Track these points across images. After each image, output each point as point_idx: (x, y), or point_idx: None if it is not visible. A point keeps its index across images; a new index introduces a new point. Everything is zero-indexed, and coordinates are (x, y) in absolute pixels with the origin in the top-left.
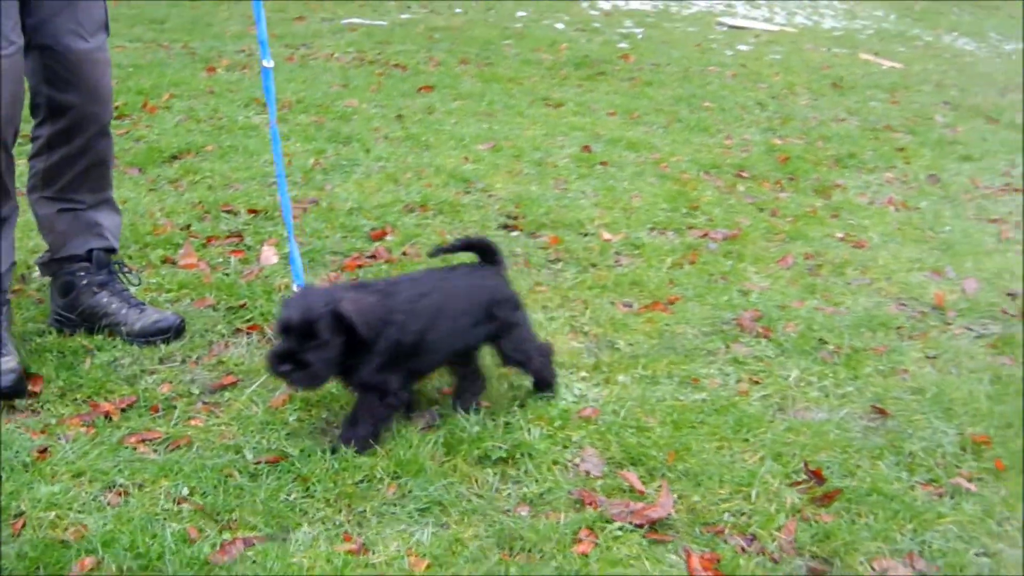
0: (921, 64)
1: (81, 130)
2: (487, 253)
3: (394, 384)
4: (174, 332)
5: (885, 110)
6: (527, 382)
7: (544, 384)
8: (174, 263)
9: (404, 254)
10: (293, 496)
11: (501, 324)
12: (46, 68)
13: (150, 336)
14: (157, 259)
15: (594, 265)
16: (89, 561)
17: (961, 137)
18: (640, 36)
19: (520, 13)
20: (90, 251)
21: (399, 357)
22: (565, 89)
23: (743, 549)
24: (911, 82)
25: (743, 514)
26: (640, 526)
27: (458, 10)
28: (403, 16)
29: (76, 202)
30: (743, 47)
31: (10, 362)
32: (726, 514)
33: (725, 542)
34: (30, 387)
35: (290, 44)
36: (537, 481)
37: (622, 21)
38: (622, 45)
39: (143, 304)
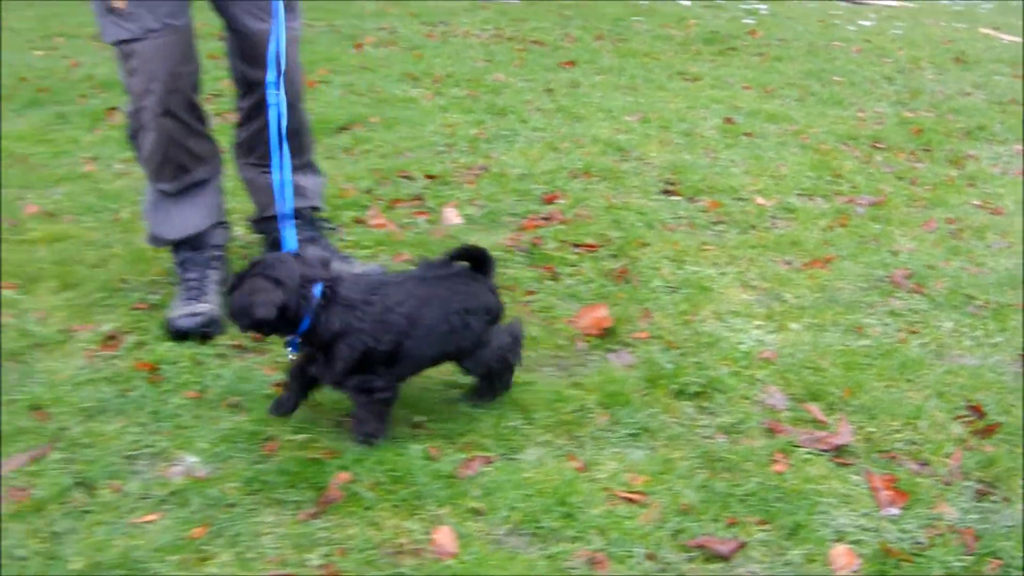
0: None
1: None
2: (479, 262)
3: (379, 382)
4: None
5: (1009, 84)
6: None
7: (484, 394)
8: (364, 223)
9: (578, 216)
10: (516, 423)
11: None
12: (237, 47)
13: None
14: (349, 219)
15: (753, 227)
16: (344, 476)
17: None
18: (764, 12)
19: None
20: (295, 210)
21: (375, 363)
22: (699, 64)
23: (917, 472)
24: None
25: (914, 443)
26: (825, 451)
27: None
28: None
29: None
30: (865, 22)
31: (203, 307)
32: (899, 443)
33: (900, 466)
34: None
35: (427, 21)
36: (730, 413)
37: None
38: (748, 21)
39: (350, 257)
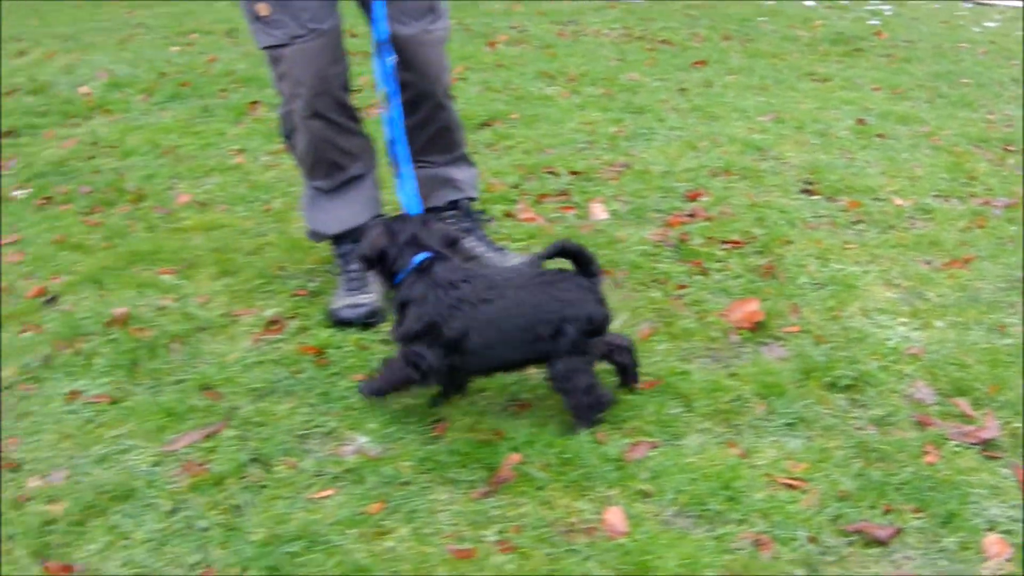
0: None
1: (420, 103)
2: (581, 262)
3: (425, 359)
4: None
5: None
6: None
7: (577, 423)
8: (513, 216)
9: (722, 213)
10: (677, 411)
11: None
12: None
13: None
14: (499, 213)
15: (892, 227)
16: (516, 457)
17: None
18: (888, 13)
19: None
20: (451, 202)
21: (438, 342)
22: (827, 64)
23: None
24: None
25: None
26: (973, 444)
27: None
28: None
29: (429, 163)
30: (990, 24)
31: (366, 298)
32: None
33: None
34: None
35: (556, 20)
36: (880, 406)
37: None
38: (873, 22)
39: (504, 249)
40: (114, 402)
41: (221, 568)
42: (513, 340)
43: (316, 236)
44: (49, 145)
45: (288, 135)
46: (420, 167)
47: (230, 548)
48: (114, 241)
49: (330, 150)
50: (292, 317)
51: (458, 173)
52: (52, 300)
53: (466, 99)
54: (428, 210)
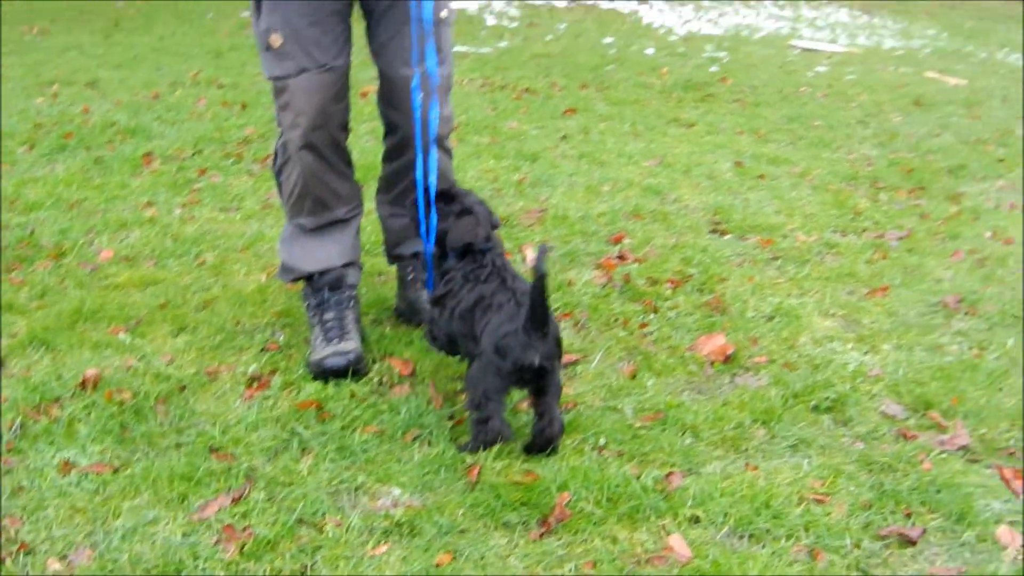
0: (983, 80)
1: (408, 147)
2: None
3: (438, 326)
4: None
5: (969, 125)
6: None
7: (542, 445)
8: None
9: (648, 254)
10: (688, 441)
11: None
12: (381, 89)
13: None
14: None
15: (807, 261)
16: (566, 495)
17: None
18: (726, 60)
19: (607, 40)
20: (416, 253)
21: (447, 309)
22: (687, 110)
23: None
24: (980, 97)
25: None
26: (955, 451)
27: (548, 37)
28: (501, 44)
29: (407, 209)
30: (821, 68)
31: (349, 345)
32: (1011, 440)
33: (1020, 460)
34: (399, 370)
35: None
36: (863, 423)
37: (703, 46)
38: (714, 69)
39: None
40: (116, 471)
41: None
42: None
43: (289, 273)
44: None
45: (279, 170)
46: (397, 215)
47: None
48: (47, 300)
49: (318, 186)
50: (272, 372)
51: None
52: None
53: (360, 150)
54: (392, 257)
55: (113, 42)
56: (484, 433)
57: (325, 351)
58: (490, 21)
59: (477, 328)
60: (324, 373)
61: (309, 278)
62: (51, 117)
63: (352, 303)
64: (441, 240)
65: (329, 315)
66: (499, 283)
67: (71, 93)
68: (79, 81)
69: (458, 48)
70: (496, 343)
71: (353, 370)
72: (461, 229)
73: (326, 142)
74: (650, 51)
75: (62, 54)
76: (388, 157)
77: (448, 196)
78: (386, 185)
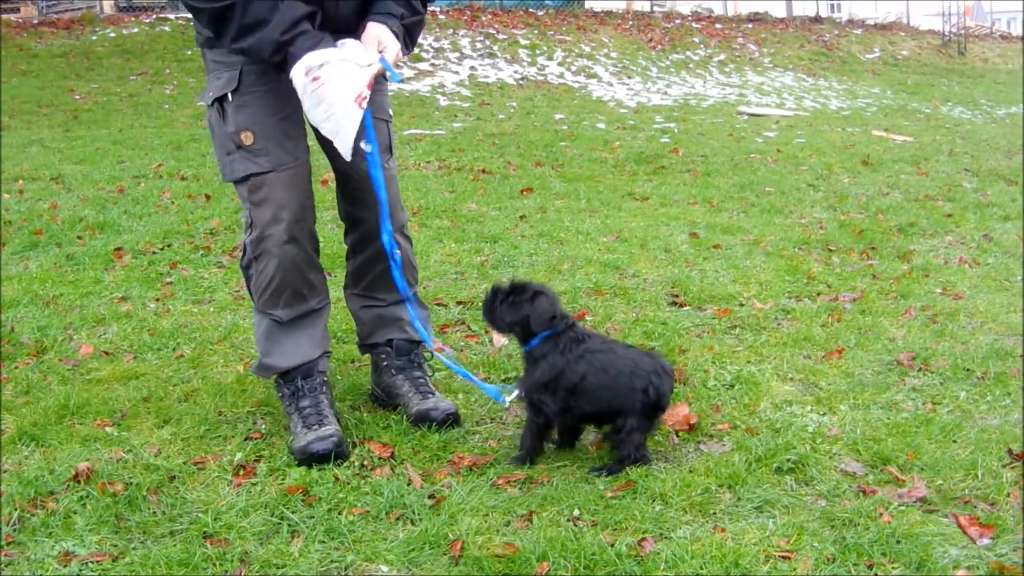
0: (929, 135)
1: (373, 239)
2: None
3: (549, 406)
4: (451, 419)
5: (918, 182)
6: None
7: (612, 469)
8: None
9: (612, 329)
10: (657, 508)
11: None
12: (341, 186)
13: (426, 421)
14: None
15: (764, 328)
16: (544, 566)
17: (993, 199)
18: (676, 131)
19: (558, 116)
20: (389, 340)
21: (559, 387)
22: (640, 183)
23: (990, 511)
24: (927, 153)
25: (978, 489)
26: (913, 503)
27: (500, 116)
28: (455, 125)
29: (378, 300)
30: (769, 133)
31: (328, 429)
32: (966, 490)
33: (975, 507)
34: (378, 453)
35: None
36: (823, 482)
37: (653, 117)
38: (665, 140)
39: (432, 392)
40: (115, 559)
41: None
42: (616, 386)
43: (266, 371)
44: None
45: (248, 265)
46: (368, 306)
47: None
48: (32, 396)
49: (297, 279)
50: (257, 460)
51: (405, 313)
52: None
53: (324, 237)
54: (365, 346)
55: (73, 136)
56: (646, 457)
57: (308, 437)
58: (443, 102)
59: (602, 386)
60: (310, 459)
61: (284, 372)
62: (20, 214)
63: (325, 388)
64: (525, 326)
65: (305, 402)
66: (600, 340)
67: (37, 189)
68: (43, 176)
69: (414, 131)
70: (644, 386)
71: (336, 453)
72: (541, 308)
73: (306, 235)
74: (601, 125)
75: (24, 149)
76: (353, 252)
77: (517, 288)
78: (354, 280)
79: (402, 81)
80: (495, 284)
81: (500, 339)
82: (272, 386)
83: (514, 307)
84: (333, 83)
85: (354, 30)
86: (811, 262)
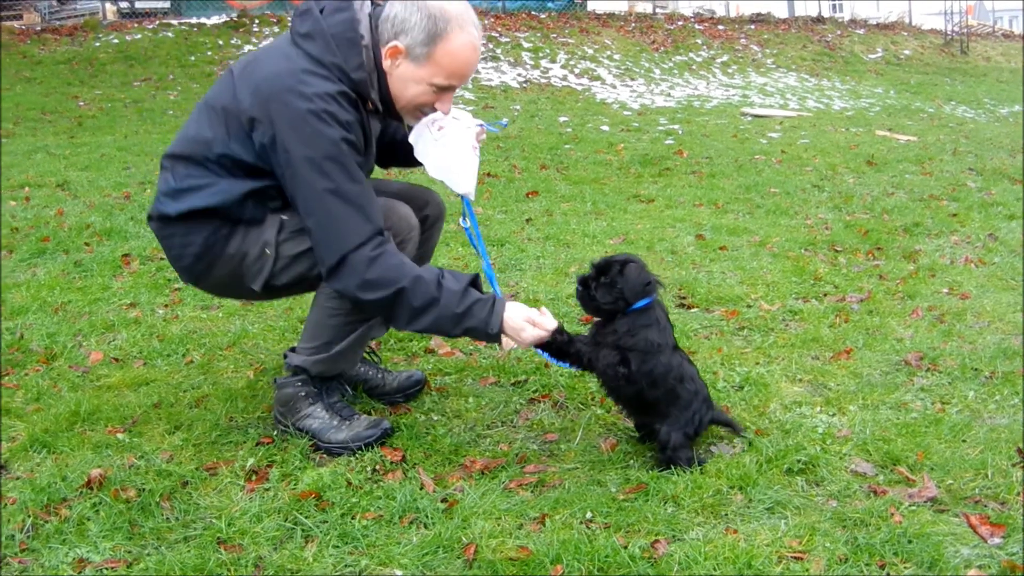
0: (933, 135)
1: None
2: None
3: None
4: (382, 432)
5: (922, 181)
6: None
7: (662, 462)
8: (434, 352)
9: None
10: (670, 510)
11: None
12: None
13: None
14: (419, 349)
15: (772, 330)
16: (559, 568)
17: (997, 199)
18: (680, 132)
19: (562, 118)
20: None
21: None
22: (645, 185)
23: (1001, 510)
24: (931, 153)
25: (988, 488)
26: (924, 503)
27: (504, 120)
28: None
29: None
30: (773, 134)
31: (369, 418)
32: (976, 490)
33: (986, 507)
34: (390, 458)
35: None
36: (834, 482)
37: (657, 119)
38: (669, 142)
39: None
40: (130, 566)
41: None
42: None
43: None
44: None
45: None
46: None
47: None
48: (43, 403)
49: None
50: (269, 465)
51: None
52: (1, 468)
53: None
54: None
55: (78, 142)
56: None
57: (354, 427)
58: None
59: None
60: (362, 445)
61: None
62: (27, 221)
63: (346, 385)
64: (619, 299)
65: (334, 398)
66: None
67: (43, 195)
68: (49, 183)
69: None
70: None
71: (387, 433)
72: (632, 276)
73: None
74: (605, 127)
75: (29, 156)
76: None
77: (603, 267)
78: None
79: (507, 126)
80: (579, 275)
81: (508, 343)
82: None
83: (606, 287)
84: (452, 135)
85: None
86: (817, 263)
